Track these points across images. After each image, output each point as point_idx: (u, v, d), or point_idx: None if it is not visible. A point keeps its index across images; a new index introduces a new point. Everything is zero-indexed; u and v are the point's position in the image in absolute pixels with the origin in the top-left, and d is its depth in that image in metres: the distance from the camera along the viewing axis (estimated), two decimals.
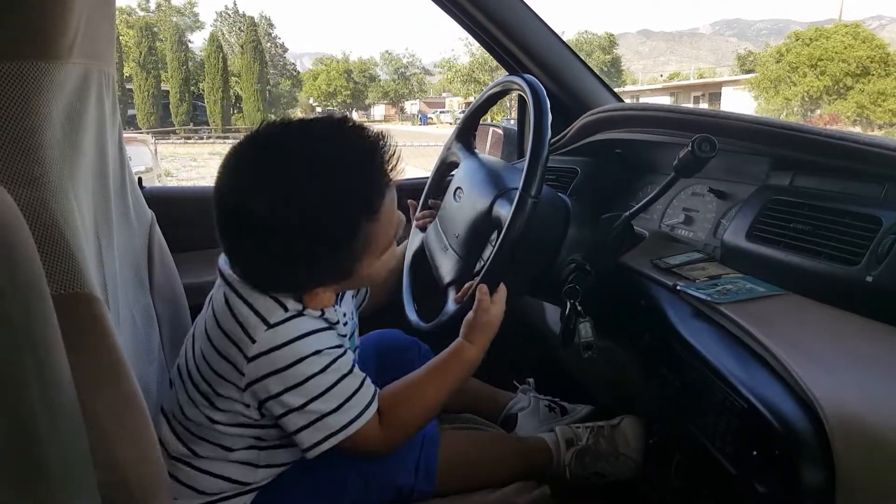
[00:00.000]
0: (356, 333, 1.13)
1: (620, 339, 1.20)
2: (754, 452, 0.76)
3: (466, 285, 1.10)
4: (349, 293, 1.11)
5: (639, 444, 1.22)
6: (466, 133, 1.44)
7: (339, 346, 0.94)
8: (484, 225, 1.15)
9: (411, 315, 1.25)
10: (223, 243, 0.90)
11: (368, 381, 0.95)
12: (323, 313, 0.93)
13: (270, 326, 0.88)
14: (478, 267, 1.16)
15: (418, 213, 1.46)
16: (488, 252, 1.14)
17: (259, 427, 0.95)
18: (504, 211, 1.07)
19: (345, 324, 1.00)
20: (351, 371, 0.92)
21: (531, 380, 1.52)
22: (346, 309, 1.04)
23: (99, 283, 0.74)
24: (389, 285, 1.35)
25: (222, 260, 0.96)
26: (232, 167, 0.87)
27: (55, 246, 0.66)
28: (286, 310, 0.89)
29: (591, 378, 1.46)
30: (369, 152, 0.88)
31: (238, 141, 0.89)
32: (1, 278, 0.49)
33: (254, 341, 0.87)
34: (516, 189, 1.01)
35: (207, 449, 0.97)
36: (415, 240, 1.41)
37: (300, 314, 0.90)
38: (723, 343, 0.88)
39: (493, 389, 1.49)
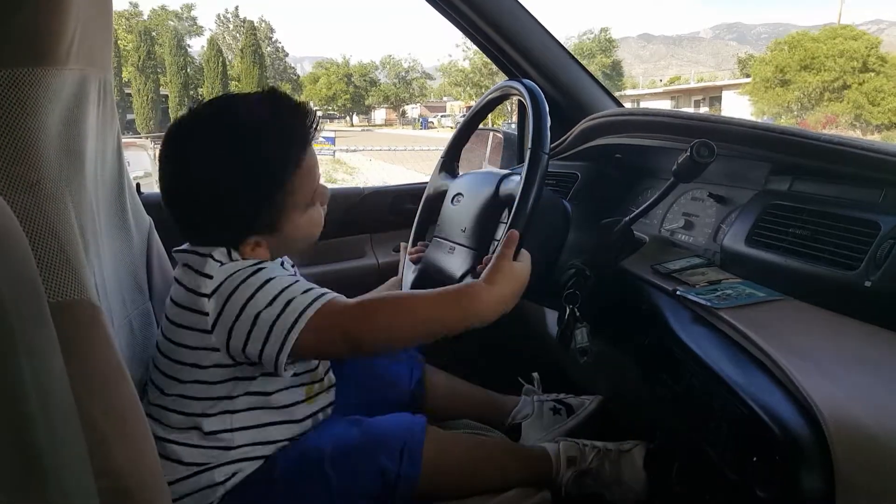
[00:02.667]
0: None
1: (620, 343, 1.20)
2: (754, 458, 0.76)
3: (487, 256, 1.06)
4: None
5: (645, 479, 1.19)
6: (451, 163, 1.44)
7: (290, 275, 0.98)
8: (492, 208, 1.15)
9: None
10: (169, 211, 0.97)
11: (322, 289, 0.94)
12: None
13: (223, 264, 0.93)
14: (492, 249, 1.14)
15: (410, 249, 1.44)
16: (501, 231, 1.11)
17: (233, 381, 0.96)
18: (512, 185, 1.06)
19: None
20: (298, 281, 0.94)
21: (536, 375, 1.50)
22: None
23: (96, 289, 0.74)
24: None
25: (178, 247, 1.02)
26: (171, 137, 0.96)
27: (52, 253, 0.66)
28: (230, 254, 0.95)
29: (591, 383, 1.46)
30: (290, 111, 0.97)
31: (176, 120, 0.97)
32: None
33: (210, 277, 0.92)
34: (518, 172, 1.00)
35: (184, 420, 0.97)
36: (408, 274, 1.39)
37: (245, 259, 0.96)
38: (722, 348, 0.88)
39: (497, 396, 1.47)
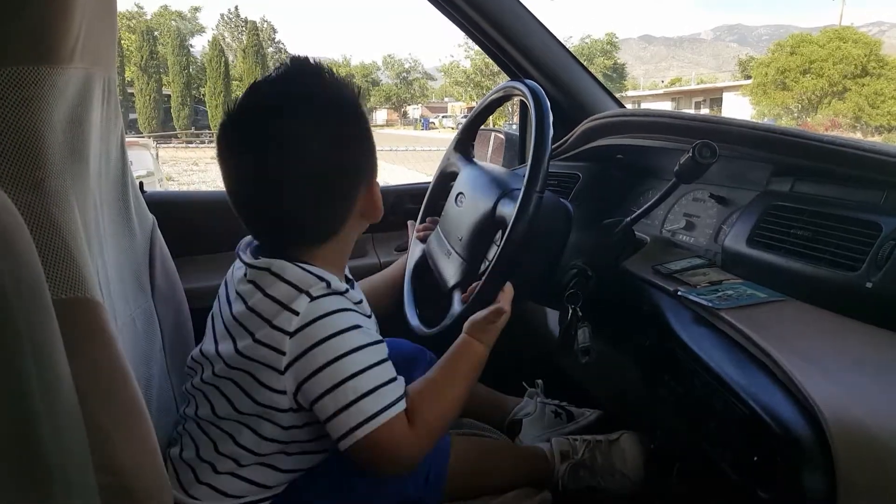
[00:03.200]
0: None
1: (621, 344, 1.20)
2: (756, 459, 0.76)
3: (472, 285, 1.09)
4: None
5: (637, 462, 1.22)
6: (465, 143, 1.44)
7: (377, 334, 0.93)
8: (488, 226, 1.15)
9: (413, 321, 1.24)
10: (253, 209, 0.92)
11: (401, 379, 0.91)
12: (361, 301, 0.95)
13: (314, 298, 0.87)
14: (483, 268, 1.16)
15: (418, 226, 1.46)
16: (493, 253, 1.14)
17: (291, 428, 0.93)
18: (508, 210, 1.07)
19: (377, 329, 1.00)
20: (387, 360, 0.90)
21: (540, 381, 1.51)
22: None
23: (99, 287, 0.74)
24: (394, 294, 1.36)
25: (242, 252, 0.97)
26: (254, 128, 0.89)
27: (56, 250, 0.66)
28: (329, 286, 0.89)
29: (593, 383, 1.46)
30: (356, 92, 0.95)
31: (229, 115, 0.90)
32: (1, 282, 0.50)
33: (297, 314, 0.86)
34: (519, 189, 1.01)
35: (235, 451, 0.94)
36: (415, 251, 1.41)
37: (342, 294, 0.90)
38: (724, 349, 0.88)
39: (499, 395, 1.49)
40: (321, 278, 0.88)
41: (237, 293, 0.93)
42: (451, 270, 1.20)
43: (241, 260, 0.95)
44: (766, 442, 0.73)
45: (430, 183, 1.52)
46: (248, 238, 1.01)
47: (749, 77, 34.62)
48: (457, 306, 1.12)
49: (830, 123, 26.17)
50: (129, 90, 38.41)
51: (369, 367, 0.86)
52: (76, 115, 0.77)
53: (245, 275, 0.93)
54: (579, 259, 1.12)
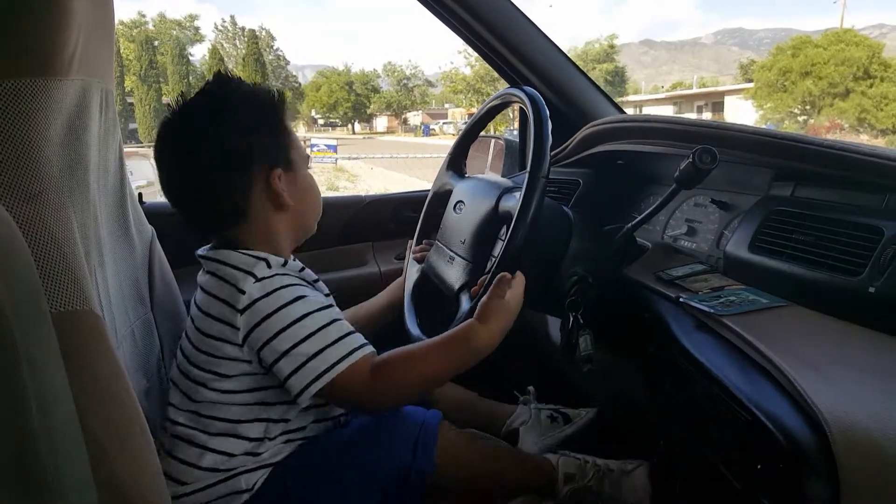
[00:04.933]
0: None
1: (623, 351, 1.20)
2: (759, 466, 0.75)
3: (482, 278, 1.09)
4: None
5: (648, 500, 1.18)
6: (458, 161, 1.44)
7: (324, 299, 1.01)
8: (491, 223, 1.15)
9: (414, 331, 1.23)
10: (183, 205, 1.02)
11: (358, 334, 0.98)
12: (303, 269, 1.05)
13: (258, 279, 0.96)
14: (489, 265, 1.15)
15: (414, 248, 1.46)
16: (499, 248, 1.13)
17: (264, 389, 0.99)
18: (511, 203, 1.06)
19: (326, 293, 1.08)
20: (335, 321, 0.96)
21: (531, 388, 1.51)
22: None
23: (98, 299, 0.74)
24: (379, 324, 1.39)
25: (201, 251, 1.05)
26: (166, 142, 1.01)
27: (54, 263, 0.66)
28: (269, 265, 0.98)
29: (594, 391, 1.45)
30: (272, 95, 1.06)
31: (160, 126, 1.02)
32: None
33: (243, 293, 0.94)
34: (519, 187, 1.01)
35: (217, 426, 0.99)
36: (412, 272, 1.40)
37: (283, 272, 0.99)
38: (726, 355, 0.87)
39: (494, 405, 1.48)
40: (258, 258, 0.99)
41: (199, 286, 1.04)
42: (455, 275, 1.20)
43: (198, 256, 1.05)
44: (770, 449, 0.72)
45: (428, 192, 1.52)
46: (209, 244, 1.08)
47: (750, 80, 34.63)
48: (465, 305, 1.11)
49: (830, 125, 26.15)
50: (129, 100, 38.53)
51: (313, 332, 0.93)
52: (74, 127, 0.77)
53: (203, 269, 1.04)
54: (580, 266, 1.12)
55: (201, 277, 1.03)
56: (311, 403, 0.97)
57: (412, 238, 1.50)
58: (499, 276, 1.01)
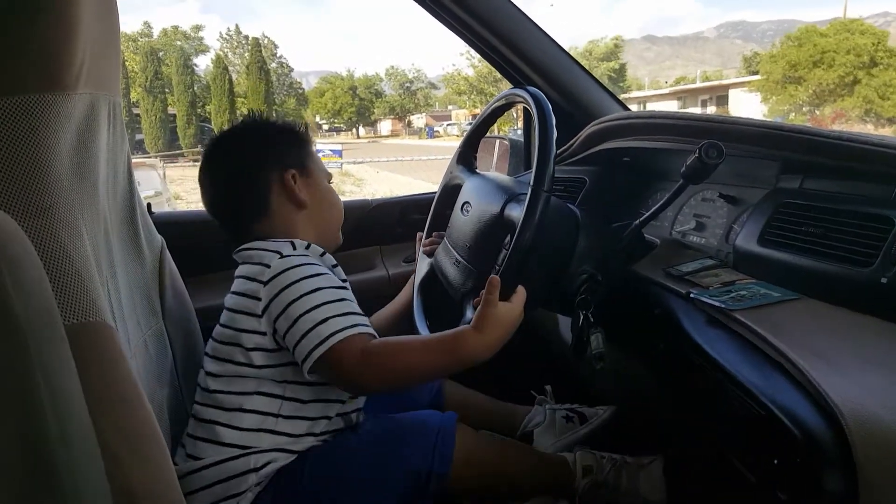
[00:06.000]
0: None
1: (634, 348, 1.20)
2: (775, 460, 0.75)
3: (483, 291, 1.09)
4: None
5: (664, 493, 1.19)
6: (467, 154, 1.44)
7: (340, 281, 1.09)
8: (496, 230, 1.15)
9: (423, 330, 1.23)
10: (220, 215, 1.21)
11: (362, 316, 1.03)
12: (324, 253, 1.15)
13: (283, 256, 1.06)
14: (493, 274, 1.15)
15: (424, 241, 1.46)
16: (502, 257, 1.14)
17: (274, 367, 1.04)
18: (516, 212, 1.06)
19: (343, 279, 1.15)
20: (345, 299, 1.03)
21: (548, 387, 1.50)
22: None
23: (111, 311, 0.74)
24: (401, 325, 1.40)
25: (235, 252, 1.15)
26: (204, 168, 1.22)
27: (67, 276, 0.67)
28: (294, 246, 1.10)
29: (607, 388, 1.45)
30: (295, 125, 1.27)
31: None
32: (13, 309, 0.50)
33: (269, 266, 1.04)
34: (526, 193, 1.01)
35: (232, 400, 1.04)
36: (422, 266, 1.41)
37: (305, 253, 1.10)
38: (738, 350, 0.87)
39: (509, 406, 1.48)
40: (285, 242, 1.11)
41: (235, 277, 1.12)
42: (460, 280, 1.20)
43: (234, 254, 1.15)
44: (785, 443, 0.72)
45: (435, 193, 1.52)
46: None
47: (755, 73, 34.46)
48: (469, 314, 1.11)
49: (836, 115, 26.02)
50: (135, 111, 38.66)
51: (325, 303, 1.00)
52: (83, 141, 0.78)
53: (238, 263, 1.14)
54: (589, 264, 1.11)
55: (237, 271, 1.13)
56: (316, 381, 1.03)
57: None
58: (489, 280, 1.00)
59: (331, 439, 1.08)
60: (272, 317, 1.01)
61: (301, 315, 0.98)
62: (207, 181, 1.21)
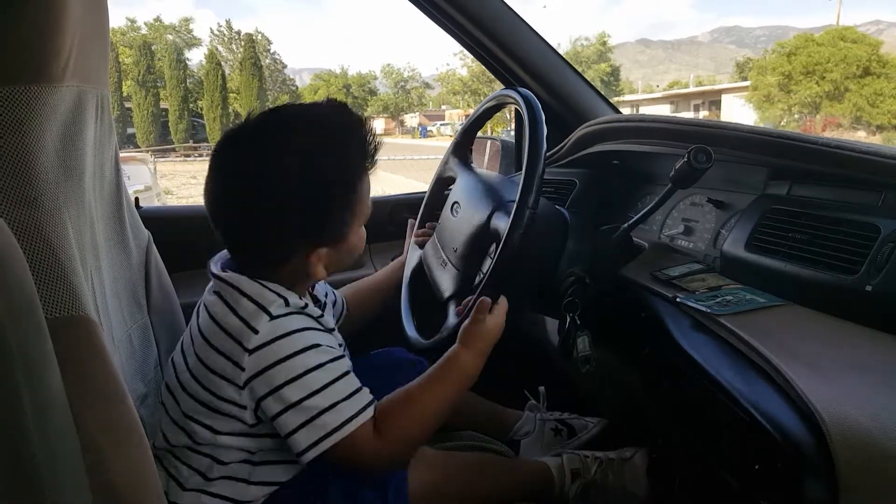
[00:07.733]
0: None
1: (620, 351, 1.20)
2: (756, 466, 0.75)
3: (467, 299, 1.09)
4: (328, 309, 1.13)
5: (646, 483, 1.21)
6: (462, 148, 1.44)
7: (338, 349, 0.95)
8: (482, 238, 1.15)
9: (410, 332, 1.23)
10: (222, 227, 0.94)
11: (365, 389, 0.93)
12: (322, 315, 0.97)
13: (273, 317, 0.89)
14: (477, 280, 1.15)
15: (416, 231, 1.46)
16: (487, 265, 1.14)
17: (254, 437, 0.94)
18: (502, 223, 1.06)
19: (340, 343, 1.02)
20: (348, 373, 0.92)
21: (542, 389, 1.50)
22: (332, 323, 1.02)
23: (94, 305, 0.74)
24: (381, 299, 1.37)
25: (213, 264, 0.99)
26: (231, 153, 0.94)
27: (49, 269, 0.66)
28: (287, 304, 0.91)
29: (593, 391, 1.45)
30: (357, 124, 0.96)
31: (231, 129, 0.95)
32: None
33: (256, 332, 0.88)
34: (513, 202, 1.01)
35: (201, 462, 0.95)
36: (413, 257, 1.40)
37: (301, 312, 0.93)
38: (723, 355, 0.87)
39: (499, 408, 1.47)
40: (279, 295, 0.91)
41: (204, 304, 0.97)
42: (446, 282, 1.20)
43: (210, 272, 0.98)
44: (767, 449, 0.72)
45: (425, 193, 1.52)
46: (224, 252, 1.03)
47: (747, 79, 34.58)
48: (451, 319, 1.12)
49: (826, 122, 26.17)
50: (127, 105, 38.48)
51: (327, 384, 0.89)
52: (70, 133, 0.77)
53: (211, 286, 0.98)
54: (577, 266, 1.11)
55: (208, 297, 0.97)
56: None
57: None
58: (479, 300, 1.00)
59: (297, 482, 0.99)
60: (256, 394, 0.88)
61: (300, 401, 0.87)
62: (216, 192, 0.95)
